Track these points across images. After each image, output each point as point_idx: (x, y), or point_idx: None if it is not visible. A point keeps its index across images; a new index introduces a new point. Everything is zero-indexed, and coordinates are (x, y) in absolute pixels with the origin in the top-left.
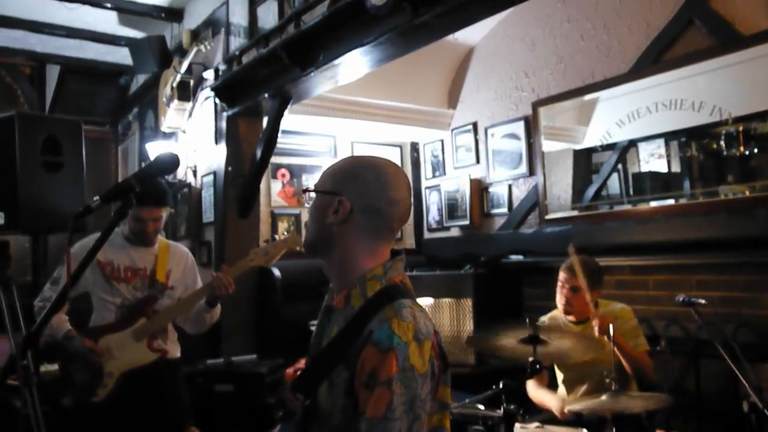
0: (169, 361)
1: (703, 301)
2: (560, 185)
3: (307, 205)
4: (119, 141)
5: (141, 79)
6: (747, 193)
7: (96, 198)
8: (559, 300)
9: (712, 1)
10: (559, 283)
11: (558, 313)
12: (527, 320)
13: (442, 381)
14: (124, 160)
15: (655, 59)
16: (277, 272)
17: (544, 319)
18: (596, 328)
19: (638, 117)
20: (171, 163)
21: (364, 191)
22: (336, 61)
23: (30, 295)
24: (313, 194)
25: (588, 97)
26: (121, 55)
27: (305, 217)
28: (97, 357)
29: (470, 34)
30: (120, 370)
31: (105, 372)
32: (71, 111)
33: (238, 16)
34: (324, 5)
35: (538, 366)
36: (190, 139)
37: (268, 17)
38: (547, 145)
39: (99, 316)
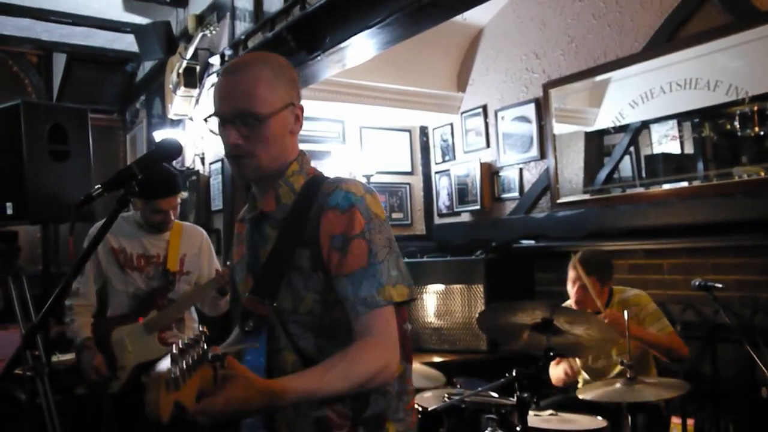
0: None
1: (719, 285)
2: (572, 168)
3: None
4: (127, 129)
5: (147, 66)
6: (762, 174)
7: (97, 186)
8: (571, 296)
9: None
10: (569, 281)
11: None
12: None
13: None
14: (133, 147)
15: (669, 37)
16: None
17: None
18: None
19: (652, 97)
20: (173, 149)
21: (298, 88)
22: (343, 44)
23: (42, 284)
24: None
25: (599, 78)
26: (127, 42)
27: None
28: (98, 376)
29: (479, 15)
30: (132, 363)
31: (118, 365)
32: (79, 99)
33: (243, 0)
34: None
35: (552, 354)
36: (198, 126)
37: (273, 0)
38: (559, 128)
39: (115, 305)
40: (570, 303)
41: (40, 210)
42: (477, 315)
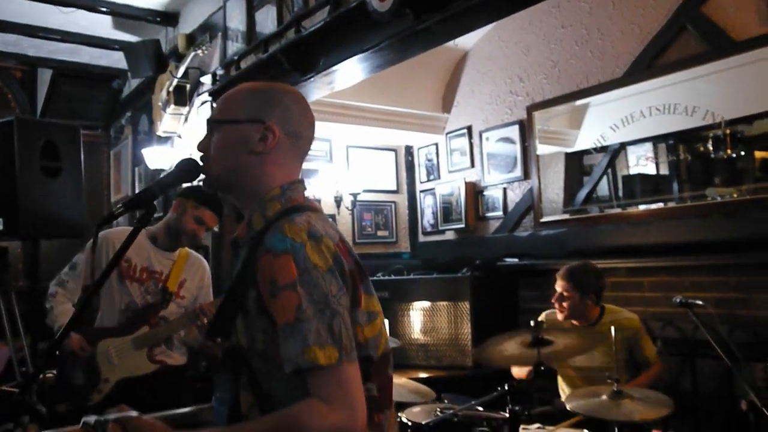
0: (172, 367)
1: (700, 302)
2: (553, 188)
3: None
4: (111, 145)
5: (134, 83)
6: (735, 195)
7: (119, 206)
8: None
9: (704, 8)
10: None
11: (557, 313)
12: (531, 323)
13: (365, 290)
14: (117, 164)
15: (648, 64)
16: None
17: (542, 316)
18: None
19: (632, 121)
20: (193, 169)
21: (288, 116)
22: (335, 67)
23: (27, 300)
24: (224, 126)
25: (582, 102)
26: (114, 59)
27: None
28: (83, 355)
29: (465, 39)
30: (117, 377)
31: (101, 377)
32: (63, 114)
33: (236, 21)
34: (324, 11)
35: (542, 368)
36: (186, 143)
37: (267, 22)
38: (542, 149)
39: (106, 314)
40: (552, 312)
41: (32, 226)
42: (463, 334)
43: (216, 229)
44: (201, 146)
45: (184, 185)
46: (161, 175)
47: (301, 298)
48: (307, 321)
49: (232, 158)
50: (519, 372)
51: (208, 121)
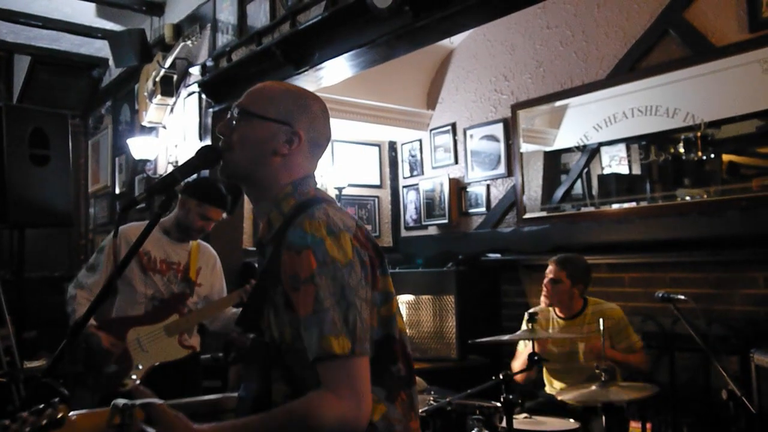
0: (194, 355)
1: (682, 297)
2: (537, 186)
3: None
4: (89, 134)
5: (115, 72)
6: (705, 197)
7: (142, 192)
8: (543, 290)
9: (686, 13)
10: (546, 276)
11: (546, 308)
12: (525, 315)
13: (381, 272)
14: (95, 153)
15: (631, 67)
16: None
17: (535, 310)
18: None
19: (615, 122)
20: (213, 155)
21: (314, 124)
22: (329, 62)
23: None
24: (252, 118)
25: (565, 102)
26: (95, 48)
27: None
28: (114, 357)
29: (451, 37)
30: (149, 364)
31: (134, 364)
32: (41, 102)
33: (226, 13)
34: (320, 6)
35: (536, 358)
36: (171, 134)
37: (259, 15)
38: (525, 147)
39: (128, 305)
40: (542, 307)
41: (21, 215)
42: (448, 328)
43: (221, 218)
44: (223, 130)
45: (184, 182)
46: (182, 162)
47: (319, 290)
48: (324, 312)
49: (254, 152)
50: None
51: (238, 107)
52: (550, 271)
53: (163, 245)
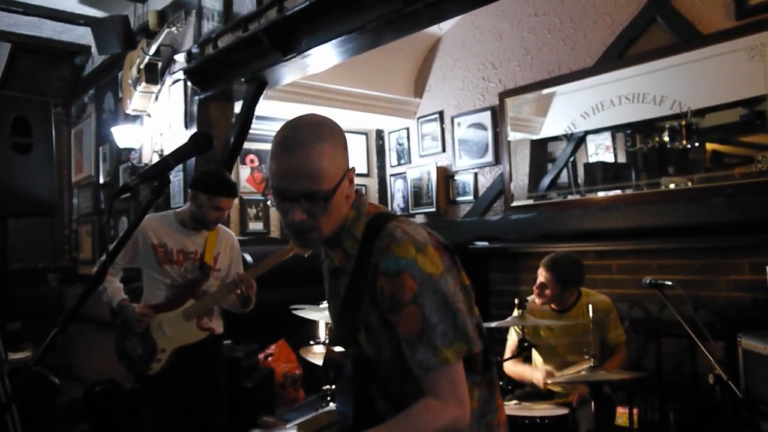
0: (215, 337)
1: (669, 283)
2: (524, 174)
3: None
4: (72, 123)
5: (98, 59)
6: (689, 184)
7: (134, 177)
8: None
9: (674, 1)
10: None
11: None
12: (515, 302)
13: (459, 266)
14: (78, 141)
15: (619, 54)
16: (249, 258)
17: (530, 299)
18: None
19: (602, 109)
20: (206, 141)
21: (348, 148)
22: (316, 48)
23: None
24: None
25: (553, 89)
26: (78, 35)
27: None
28: (143, 324)
29: (438, 24)
30: (172, 347)
31: (158, 348)
32: (22, 90)
33: (212, 0)
34: None
35: (526, 344)
36: (156, 122)
37: (245, 1)
38: (513, 135)
39: (150, 294)
40: (533, 297)
41: (2, 204)
42: None
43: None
44: (296, 220)
45: (192, 179)
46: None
47: (424, 309)
48: (433, 328)
49: (339, 212)
50: (537, 378)
51: (306, 193)
52: (540, 275)
53: (179, 236)
